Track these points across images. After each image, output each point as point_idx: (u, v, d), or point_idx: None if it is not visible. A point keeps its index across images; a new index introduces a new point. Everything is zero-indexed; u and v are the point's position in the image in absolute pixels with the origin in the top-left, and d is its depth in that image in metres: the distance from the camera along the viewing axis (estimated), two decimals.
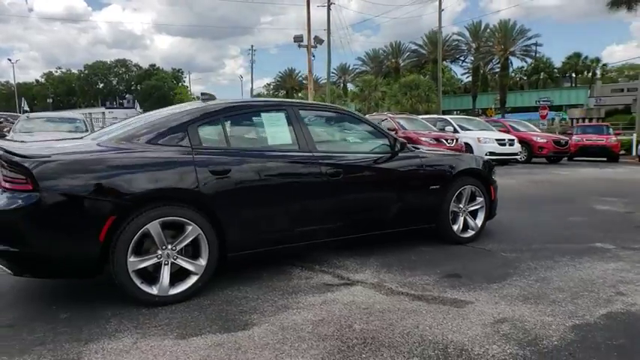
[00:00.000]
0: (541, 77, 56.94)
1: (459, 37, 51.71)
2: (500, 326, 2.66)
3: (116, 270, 2.77)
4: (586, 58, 56.08)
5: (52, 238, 2.68)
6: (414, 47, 55.42)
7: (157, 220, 2.86)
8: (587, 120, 41.13)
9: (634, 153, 17.72)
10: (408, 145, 4.17)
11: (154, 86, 65.47)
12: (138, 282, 2.85)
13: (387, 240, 4.20)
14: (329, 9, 24.51)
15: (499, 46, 46.06)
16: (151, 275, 2.95)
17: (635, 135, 18.51)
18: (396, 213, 3.96)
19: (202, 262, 3.05)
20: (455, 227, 4.34)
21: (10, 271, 2.76)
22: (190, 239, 2.99)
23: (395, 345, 2.43)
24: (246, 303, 3.00)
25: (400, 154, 3.99)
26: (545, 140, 15.04)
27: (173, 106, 3.88)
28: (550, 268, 3.73)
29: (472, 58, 52.03)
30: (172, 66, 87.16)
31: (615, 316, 2.81)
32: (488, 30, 49.01)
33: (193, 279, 3.03)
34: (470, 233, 4.46)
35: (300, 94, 59.44)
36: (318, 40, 19.45)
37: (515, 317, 2.78)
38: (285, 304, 2.97)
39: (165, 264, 2.94)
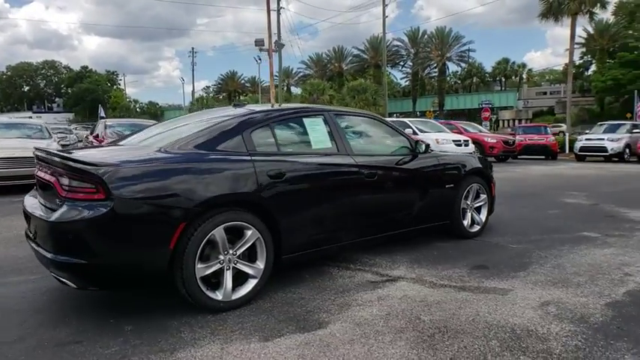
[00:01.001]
0: (474, 81, 60.41)
1: (399, 43, 53.64)
2: (548, 308, 2.95)
3: (185, 277, 2.76)
4: (513, 63, 60.32)
5: (124, 247, 2.62)
6: (356, 52, 56.76)
7: (222, 226, 2.89)
8: (517, 121, 44.32)
9: (567, 150, 19.43)
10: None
11: (87, 89, 61.87)
12: (204, 289, 2.85)
13: (407, 238, 4.42)
14: (279, 14, 24.66)
15: (436, 51, 48.40)
16: (210, 281, 2.96)
17: (567, 134, 20.29)
18: (420, 211, 4.19)
19: (260, 265, 3.10)
20: (465, 223, 4.66)
21: (73, 285, 2.67)
22: (250, 243, 3.04)
23: (468, 331, 2.64)
24: (306, 303, 3.08)
25: (420, 155, 4.23)
26: (495, 140, 16.13)
27: (210, 112, 3.86)
28: (558, 256, 4.12)
29: (411, 63, 54.17)
30: (103, 68, 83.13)
31: (635, 294, 3.20)
32: (425, 36, 51.33)
33: (253, 282, 3.07)
34: (476, 228, 4.79)
35: (242, 98, 58.73)
36: (279, 45, 19.52)
37: (555, 300, 3.09)
38: (344, 302, 3.09)
39: (227, 269, 2.96)
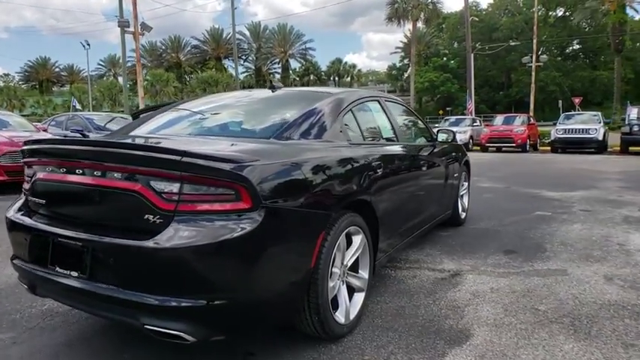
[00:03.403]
0: (311, 79, 63.50)
1: (241, 37, 53.11)
2: (613, 281, 3.20)
3: (321, 302, 2.17)
4: (345, 63, 65.23)
5: (268, 274, 1.92)
6: (195, 42, 54.32)
7: (345, 232, 2.36)
8: None
9: None
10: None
11: None
12: (333, 312, 2.30)
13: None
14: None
15: (280, 48, 49.46)
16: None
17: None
18: (444, 200, 4.13)
19: (364, 274, 2.64)
20: (460, 210, 4.78)
21: (190, 338, 1.82)
22: (360, 251, 2.56)
23: (593, 314, 2.68)
24: (414, 312, 2.75)
25: (438, 144, 4.14)
26: None
27: (250, 93, 3.07)
28: (552, 234, 4.50)
29: (254, 58, 54.25)
30: None
31: None
32: (267, 31, 51.97)
33: (360, 297, 2.60)
34: (463, 215, 4.97)
35: (66, 88, 51.05)
36: (146, 27, 17.13)
37: (606, 274, 3.36)
38: (449, 304, 2.85)
39: (342, 284, 2.45)
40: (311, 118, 2.52)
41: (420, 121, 4.15)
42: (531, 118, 19.02)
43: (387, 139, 3.27)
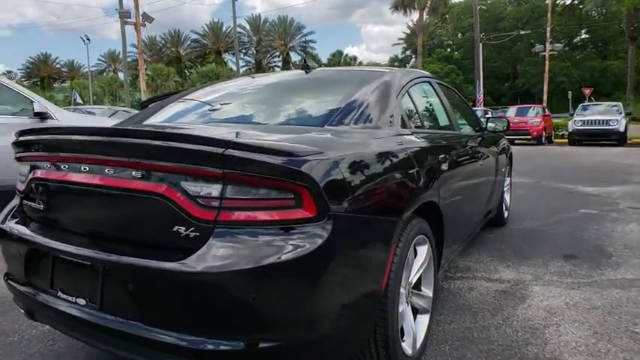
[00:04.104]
0: None
1: (241, 30, 52.41)
2: None
3: (392, 333, 1.72)
4: (346, 55, 64.48)
5: (338, 303, 1.46)
6: (195, 37, 53.67)
7: (413, 243, 1.91)
8: None
9: None
10: None
11: None
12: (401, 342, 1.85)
13: None
14: None
15: (280, 41, 48.71)
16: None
17: None
18: (492, 198, 3.67)
19: (429, 292, 2.19)
20: (503, 208, 4.32)
21: None
22: (425, 265, 2.10)
23: None
24: (486, 333, 2.30)
25: (485, 134, 3.66)
26: None
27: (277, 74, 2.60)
28: (606, 236, 4.04)
29: (254, 51, 53.51)
30: None
31: None
32: (267, 24, 51.20)
33: (425, 319, 2.14)
34: (506, 214, 4.51)
35: (67, 84, 50.60)
36: (147, 18, 16.54)
37: None
38: (531, 325, 2.40)
39: (407, 306, 1.99)
40: (367, 100, 2.04)
41: (467, 107, 3.68)
42: (546, 109, 18.46)
43: (444, 128, 2.81)
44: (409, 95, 2.39)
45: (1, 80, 4.63)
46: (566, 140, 16.32)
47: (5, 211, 1.95)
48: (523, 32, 30.42)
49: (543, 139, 16.22)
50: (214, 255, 1.31)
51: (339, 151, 1.53)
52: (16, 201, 1.95)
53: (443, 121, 2.83)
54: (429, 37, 48.50)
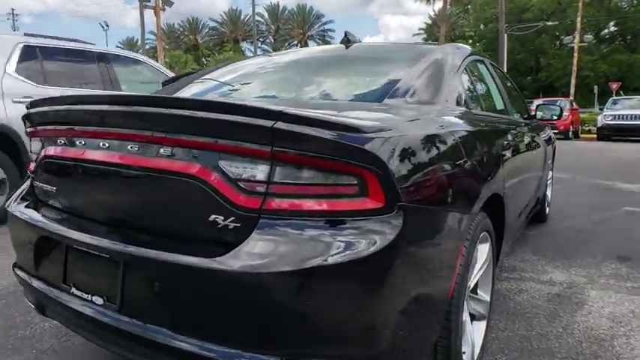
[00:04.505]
0: None
1: (259, 19, 52.08)
2: None
3: (453, 345, 1.47)
4: None
5: (405, 312, 1.21)
6: (212, 24, 53.51)
7: (477, 243, 1.65)
8: None
9: None
10: None
11: None
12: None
13: None
14: None
15: (299, 29, 48.23)
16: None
17: None
18: (539, 191, 3.38)
19: (486, 296, 1.94)
20: (546, 203, 4.03)
21: None
22: (486, 266, 1.85)
23: None
24: (546, 343, 2.04)
25: (533, 122, 3.34)
26: None
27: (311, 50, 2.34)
28: None
29: (272, 40, 53.14)
30: None
31: None
32: (286, 12, 50.72)
33: (482, 326, 1.90)
34: (547, 210, 4.20)
35: None
36: (167, 2, 16.38)
37: None
38: (589, 336, 2.13)
39: (466, 312, 1.74)
40: (426, 75, 1.77)
41: (518, 92, 3.38)
42: (574, 103, 17.83)
43: (500, 112, 2.52)
44: (468, 73, 2.12)
45: (146, 60, 5.39)
46: (594, 135, 15.75)
47: (16, 193, 1.75)
48: (550, 23, 29.41)
49: (570, 133, 15.68)
50: (260, 252, 1.07)
51: (407, 129, 1.27)
52: (27, 182, 1.74)
53: (499, 104, 2.55)
54: (450, 27, 47.51)
